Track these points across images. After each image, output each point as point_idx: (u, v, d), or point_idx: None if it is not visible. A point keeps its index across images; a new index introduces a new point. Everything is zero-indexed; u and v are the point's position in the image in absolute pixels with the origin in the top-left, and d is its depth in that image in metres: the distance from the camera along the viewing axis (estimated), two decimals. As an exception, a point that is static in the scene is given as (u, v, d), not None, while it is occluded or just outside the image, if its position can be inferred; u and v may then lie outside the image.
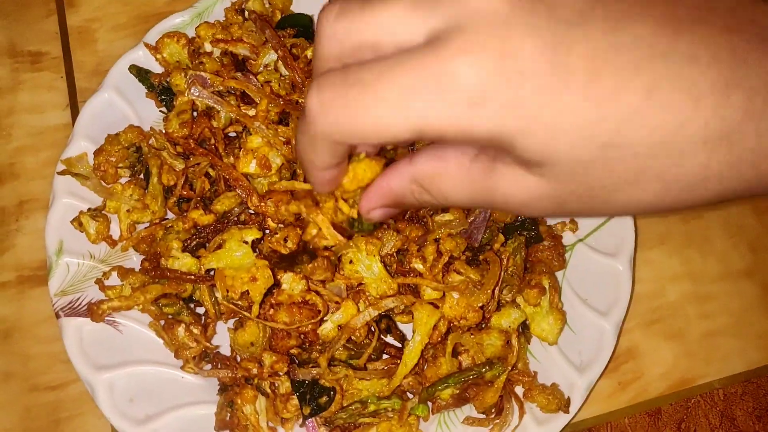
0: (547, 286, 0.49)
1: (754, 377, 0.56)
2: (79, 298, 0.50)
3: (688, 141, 0.26)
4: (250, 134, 0.49)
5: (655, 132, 0.26)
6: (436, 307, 0.46)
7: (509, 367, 0.47)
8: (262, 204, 0.47)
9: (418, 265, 0.47)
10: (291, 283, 0.45)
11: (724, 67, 0.26)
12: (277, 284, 0.45)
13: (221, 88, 0.50)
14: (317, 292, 0.46)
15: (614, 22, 0.26)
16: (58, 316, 0.49)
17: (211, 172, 0.52)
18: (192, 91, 0.48)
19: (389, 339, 0.51)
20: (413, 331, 0.46)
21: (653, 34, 0.26)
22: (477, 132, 0.27)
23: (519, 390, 0.49)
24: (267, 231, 0.49)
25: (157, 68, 0.55)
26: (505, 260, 0.48)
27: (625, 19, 0.26)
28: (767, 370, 0.56)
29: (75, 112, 0.58)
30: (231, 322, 0.50)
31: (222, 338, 0.50)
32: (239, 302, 0.47)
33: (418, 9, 0.27)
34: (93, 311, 0.48)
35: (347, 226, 0.40)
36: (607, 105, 0.26)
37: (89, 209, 0.51)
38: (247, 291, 0.45)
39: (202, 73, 0.49)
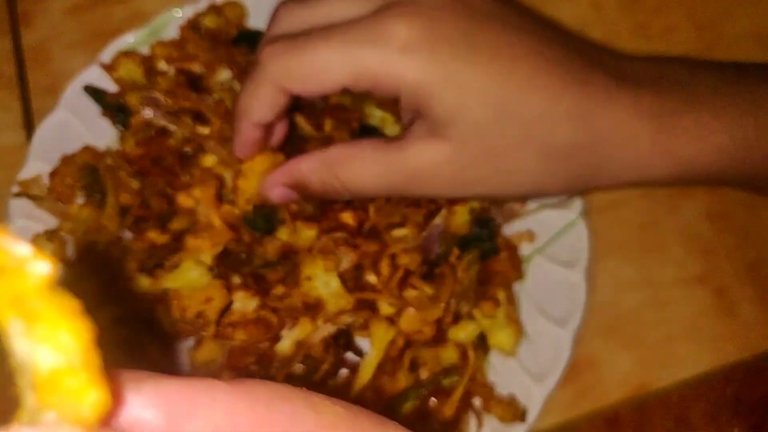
0: (502, 298, 0.49)
1: (707, 380, 0.57)
2: (34, 322, 0.49)
3: (559, 114, 0.34)
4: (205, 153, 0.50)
5: (537, 104, 0.34)
6: (393, 322, 0.47)
7: (466, 379, 0.48)
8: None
9: (373, 279, 0.47)
10: (243, 301, 0.45)
11: (580, 70, 0.35)
12: (231, 303, 0.45)
13: (175, 107, 0.50)
14: (272, 308, 0.47)
15: (511, 27, 0.35)
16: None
17: (168, 191, 0.52)
18: (145, 111, 0.48)
19: (349, 354, 0.51)
20: (371, 347, 0.47)
21: (538, 42, 0.35)
22: (406, 78, 0.33)
23: (477, 402, 0.50)
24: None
25: (113, 87, 0.55)
26: (459, 273, 0.48)
27: (519, 29, 0.35)
28: (719, 372, 0.57)
29: (30, 132, 0.57)
30: (190, 341, 0.50)
31: (182, 358, 0.50)
32: (198, 321, 0.47)
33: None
34: (49, 334, 0.48)
35: (245, 222, 0.42)
36: (503, 79, 0.34)
37: (45, 231, 0.51)
38: (203, 310, 0.45)
39: (156, 94, 0.49)
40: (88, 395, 0.13)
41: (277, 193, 0.39)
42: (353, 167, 0.36)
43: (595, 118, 0.35)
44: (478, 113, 0.34)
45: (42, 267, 0.14)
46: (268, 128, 0.39)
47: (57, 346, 0.13)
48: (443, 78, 0.33)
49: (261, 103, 0.37)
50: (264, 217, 0.46)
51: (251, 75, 0.36)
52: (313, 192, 0.39)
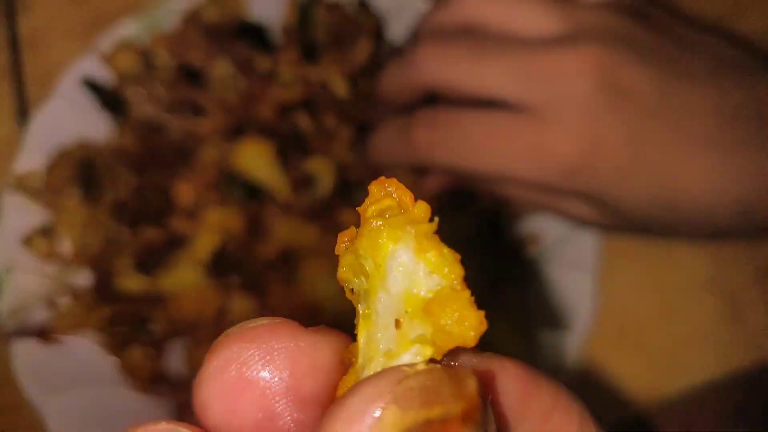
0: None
1: (714, 386, 0.56)
2: (29, 319, 0.48)
3: (719, 208, 0.35)
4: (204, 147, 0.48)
5: (698, 203, 0.34)
6: None
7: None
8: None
9: None
10: (240, 303, 0.44)
11: (755, 156, 0.34)
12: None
13: (173, 101, 0.49)
14: (271, 308, 0.46)
15: (681, 119, 0.33)
16: (8, 337, 0.48)
17: (166, 186, 0.50)
18: (142, 104, 0.47)
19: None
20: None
21: (708, 129, 0.34)
22: (561, 189, 0.34)
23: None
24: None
25: (110, 78, 0.54)
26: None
27: (688, 115, 0.33)
28: (726, 380, 0.56)
29: (25, 121, 0.56)
30: (186, 342, 0.49)
31: (177, 358, 0.49)
32: (193, 322, 0.46)
33: (520, 80, 0.33)
34: (44, 332, 0.47)
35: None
36: (670, 183, 0.34)
37: (40, 226, 0.50)
38: (199, 311, 0.44)
39: (153, 86, 0.48)
40: (471, 317, 0.15)
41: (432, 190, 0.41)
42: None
43: (753, 213, 0.36)
44: (635, 209, 0.35)
45: (425, 210, 0.16)
46: None
47: (443, 273, 0.15)
48: (602, 191, 0.34)
49: (406, 96, 0.38)
50: (246, 187, 0.45)
51: (402, 68, 0.36)
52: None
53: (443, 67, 0.34)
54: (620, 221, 0.37)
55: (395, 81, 0.37)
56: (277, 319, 0.17)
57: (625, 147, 0.33)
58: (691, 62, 0.35)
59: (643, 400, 0.55)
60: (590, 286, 0.51)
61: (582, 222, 0.39)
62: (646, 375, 0.55)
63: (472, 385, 0.14)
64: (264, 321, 0.17)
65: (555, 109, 0.32)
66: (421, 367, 0.14)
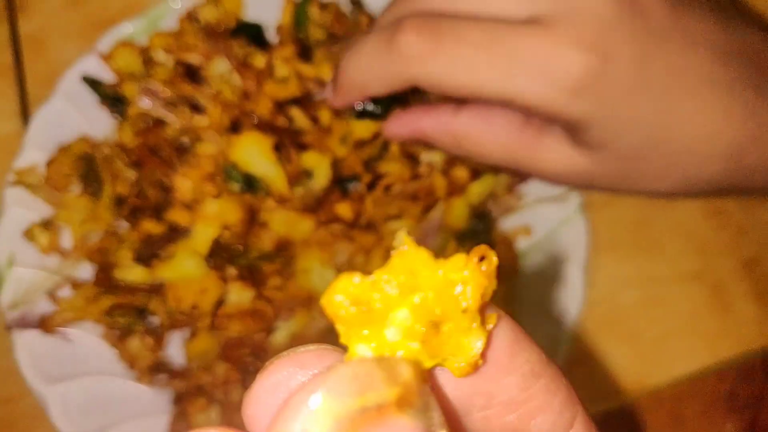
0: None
1: (700, 378, 0.57)
2: (30, 311, 0.50)
3: (712, 152, 0.33)
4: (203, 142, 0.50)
5: (694, 141, 0.32)
6: None
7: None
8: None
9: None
10: (238, 292, 0.45)
11: (749, 98, 0.33)
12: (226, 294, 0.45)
13: (172, 98, 0.50)
14: (268, 299, 0.47)
15: (689, 43, 0.32)
16: (9, 328, 0.49)
17: (164, 181, 0.52)
18: (142, 101, 0.48)
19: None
20: (365, 339, 0.47)
21: (710, 62, 0.32)
22: (565, 116, 0.31)
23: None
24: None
25: (110, 77, 0.55)
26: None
27: (694, 45, 0.32)
28: (714, 369, 0.58)
29: (26, 120, 0.57)
30: (186, 332, 0.50)
31: (177, 348, 0.50)
32: (192, 312, 0.47)
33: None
34: (45, 323, 0.48)
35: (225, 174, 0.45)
36: (669, 114, 0.32)
37: (41, 220, 0.51)
38: (198, 301, 0.45)
39: (153, 83, 0.49)
40: (478, 337, 0.16)
41: (397, 138, 0.37)
42: (481, 146, 0.35)
43: (748, 153, 0.34)
44: (630, 140, 0.32)
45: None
46: None
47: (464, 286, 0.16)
48: (608, 115, 0.31)
49: (383, 89, 0.34)
50: (245, 178, 0.46)
51: (382, 53, 0.31)
52: (433, 144, 0.38)
53: (437, 60, 0.31)
54: (603, 166, 0.33)
55: (374, 68, 0.33)
56: (324, 346, 0.18)
57: (634, 68, 0.30)
58: (699, 2, 0.34)
59: (632, 390, 0.56)
60: (580, 278, 0.53)
61: (556, 178, 0.35)
62: (635, 365, 0.56)
63: (407, 372, 0.14)
64: (312, 348, 0.18)
65: (565, 17, 0.29)
66: (354, 357, 0.15)
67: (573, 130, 0.32)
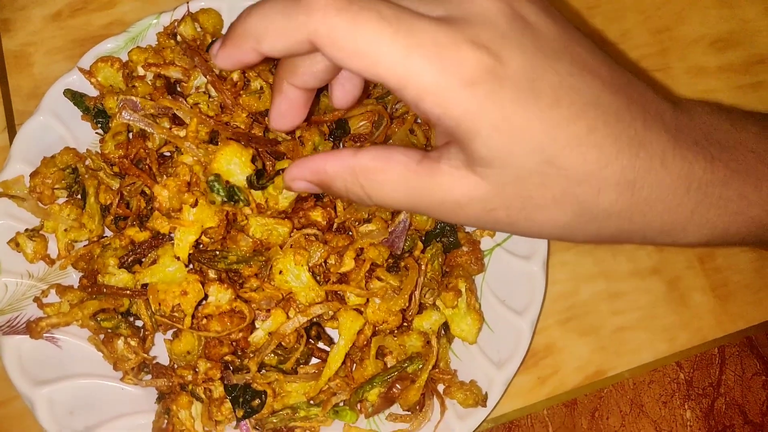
0: (463, 289, 0.52)
1: (661, 366, 0.61)
2: (17, 317, 0.52)
3: (606, 179, 0.33)
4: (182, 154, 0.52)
5: (586, 164, 0.32)
6: (360, 312, 0.50)
7: (430, 366, 0.51)
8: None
9: (343, 268, 0.50)
10: (217, 294, 0.48)
11: (639, 129, 0.33)
12: (206, 297, 0.48)
13: (153, 111, 0.52)
14: (245, 300, 0.49)
15: (577, 68, 0.33)
16: (-3, 334, 0.51)
17: (147, 191, 0.54)
18: (123, 115, 0.51)
19: (321, 345, 0.54)
20: (339, 336, 0.50)
21: (599, 89, 0.33)
22: (454, 109, 0.31)
23: (441, 388, 0.53)
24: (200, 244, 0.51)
25: (93, 91, 0.57)
26: (423, 266, 0.51)
27: (584, 69, 0.33)
28: (671, 359, 0.61)
29: (12, 134, 0.59)
30: (169, 333, 0.52)
31: (161, 349, 0.53)
32: (174, 314, 0.49)
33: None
34: (32, 329, 0.50)
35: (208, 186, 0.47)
36: (559, 130, 0.31)
37: (26, 230, 0.53)
38: (179, 303, 0.47)
39: (133, 98, 0.52)
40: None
41: (298, 186, 0.37)
42: (380, 183, 0.34)
43: (642, 186, 0.34)
44: (522, 161, 0.32)
45: None
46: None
47: None
48: (496, 120, 0.31)
49: (280, 43, 0.32)
50: (226, 190, 0.48)
51: (288, 4, 0.31)
52: (335, 193, 0.37)
53: (343, 18, 0.30)
54: (500, 190, 0.33)
55: (274, 17, 0.32)
56: None
57: (524, 76, 0.31)
58: (589, 44, 0.35)
59: (594, 379, 0.59)
60: (542, 274, 0.55)
61: (457, 209, 0.34)
62: (596, 356, 0.59)
63: None
64: None
65: (466, 20, 0.31)
66: None
67: (464, 142, 0.32)
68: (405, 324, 0.51)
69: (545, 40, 0.32)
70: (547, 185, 0.33)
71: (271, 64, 0.55)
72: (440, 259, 0.53)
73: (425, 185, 0.34)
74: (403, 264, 0.52)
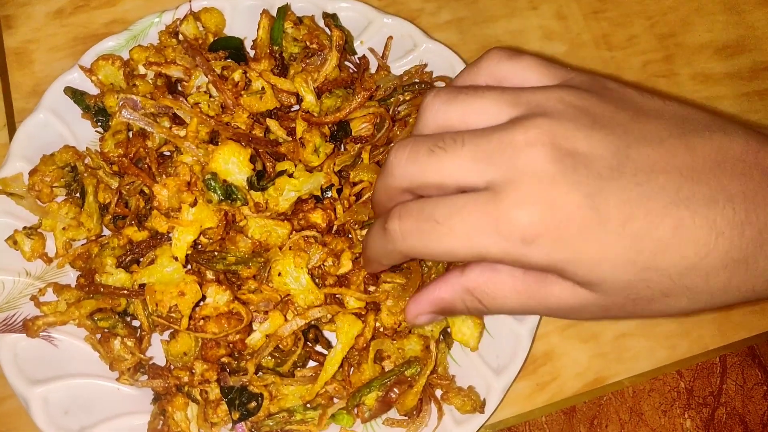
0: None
1: (660, 374, 0.60)
2: (14, 315, 0.51)
3: (711, 266, 0.32)
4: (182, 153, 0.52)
5: (684, 260, 0.32)
6: (359, 316, 0.49)
7: (428, 371, 0.50)
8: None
9: (337, 271, 0.50)
10: (215, 295, 0.47)
11: (738, 208, 0.32)
12: (204, 298, 0.48)
13: (153, 110, 0.52)
14: (243, 302, 0.49)
15: (643, 176, 0.32)
16: (-7, 332, 0.50)
17: (146, 190, 0.54)
18: (123, 113, 0.50)
19: (318, 348, 0.54)
20: (336, 340, 0.49)
21: (677, 184, 0.32)
22: (530, 262, 0.33)
23: (439, 393, 0.52)
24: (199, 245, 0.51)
25: (93, 89, 0.57)
26: (426, 268, 0.51)
27: (652, 173, 0.32)
28: (672, 367, 0.60)
29: (12, 131, 0.59)
30: (166, 334, 0.52)
31: (157, 349, 0.52)
32: (171, 315, 0.49)
33: (478, 163, 0.33)
34: (28, 327, 0.50)
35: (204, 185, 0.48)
36: (642, 240, 0.32)
37: (24, 228, 0.53)
38: (176, 304, 0.47)
39: (134, 96, 0.51)
40: None
41: (422, 320, 0.40)
42: (494, 295, 0.37)
43: (757, 259, 0.33)
44: (617, 276, 0.32)
45: None
46: None
47: None
48: (571, 256, 0.32)
49: (391, 261, 0.40)
50: (223, 188, 0.48)
51: (383, 240, 0.37)
52: (457, 313, 0.40)
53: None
54: (607, 299, 0.34)
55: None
56: None
57: (584, 208, 0.31)
58: (653, 125, 0.34)
59: (593, 387, 0.58)
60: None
61: (571, 314, 0.36)
62: (596, 363, 0.59)
63: None
64: None
65: (510, 182, 0.32)
66: None
67: (558, 274, 0.34)
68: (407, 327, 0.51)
69: (600, 162, 0.32)
70: (652, 286, 0.33)
71: (274, 65, 0.55)
72: (444, 263, 0.53)
73: (537, 294, 0.35)
74: (405, 265, 0.51)
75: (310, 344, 0.53)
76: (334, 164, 0.53)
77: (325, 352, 0.53)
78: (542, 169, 0.32)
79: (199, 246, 0.51)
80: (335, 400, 0.51)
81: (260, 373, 0.50)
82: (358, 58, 0.60)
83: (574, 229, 0.31)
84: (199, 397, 0.49)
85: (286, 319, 0.50)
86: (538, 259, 0.33)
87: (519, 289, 0.36)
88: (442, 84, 0.60)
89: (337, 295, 0.52)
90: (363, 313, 0.50)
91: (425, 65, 0.60)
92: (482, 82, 0.38)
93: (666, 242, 0.32)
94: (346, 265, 0.49)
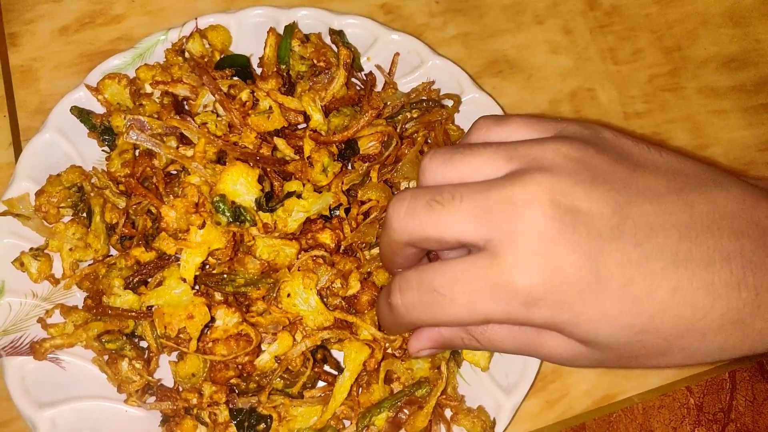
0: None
1: (670, 391, 0.60)
2: (21, 337, 0.51)
3: (707, 328, 0.32)
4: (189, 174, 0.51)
5: (680, 322, 0.32)
6: (370, 347, 0.49)
7: (438, 391, 0.50)
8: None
9: (345, 293, 0.50)
10: (225, 318, 0.47)
11: (735, 268, 0.32)
12: (213, 319, 0.47)
13: (160, 130, 0.52)
14: (252, 323, 0.48)
15: (642, 235, 0.32)
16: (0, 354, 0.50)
17: (153, 210, 0.53)
18: (131, 135, 0.50)
19: (327, 368, 0.53)
20: (344, 368, 0.49)
21: (675, 244, 0.32)
22: (532, 322, 0.33)
23: (449, 413, 0.52)
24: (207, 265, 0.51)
25: (99, 108, 0.57)
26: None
27: (651, 232, 0.32)
28: (681, 383, 0.60)
29: (18, 150, 0.59)
30: (174, 355, 0.52)
31: (165, 371, 0.52)
32: (180, 337, 0.49)
33: (476, 220, 0.33)
34: (35, 349, 0.50)
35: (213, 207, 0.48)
36: (640, 303, 0.31)
37: (31, 249, 0.53)
38: (185, 327, 0.47)
39: (141, 117, 0.51)
40: None
41: (425, 354, 0.41)
42: (491, 338, 0.37)
43: (754, 320, 0.33)
44: (614, 338, 0.33)
45: None
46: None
47: None
48: (571, 318, 0.32)
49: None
50: (232, 210, 0.48)
51: (390, 310, 0.37)
52: (455, 348, 0.41)
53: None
54: (603, 354, 0.34)
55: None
56: None
57: (584, 270, 0.31)
58: (651, 180, 0.33)
59: (603, 404, 0.58)
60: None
61: (566, 363, 0.36)
62: (605, 380, 0.59)
63: None
64: None
65: (509, 242, 0.32)
66: None
67: (557, 331, 0.34)
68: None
69: (600, 222, 0.32)
70: (647, 347, 0.33)
71: (281, 83, 0.55)
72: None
73: (532, 343, 0.36)
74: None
75: (319, 364, 0.53)
76: (342, 183, 0.53)
77: (334, 372, 0.53)
78: (542, 229, 0.32)
79: (207, 267, 0.51)
80: (345, 422, 0.51)
81: (269, 395, 0.50)
82: (365, 74, 0.60)
83: (574, 291, 0.32)
84: (207, 420, 0.49)
85: (294, 340, 0.49)
86: (539, 320, 0.33)
87: (515, 336, 0.36)
88: (449, 102, 0.59)
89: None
90: (374, 346, 0.50)
91: (433, 82, 0.60)
92: None
93: (664, 305, 0.32)
94: (354, 286, 0.49)
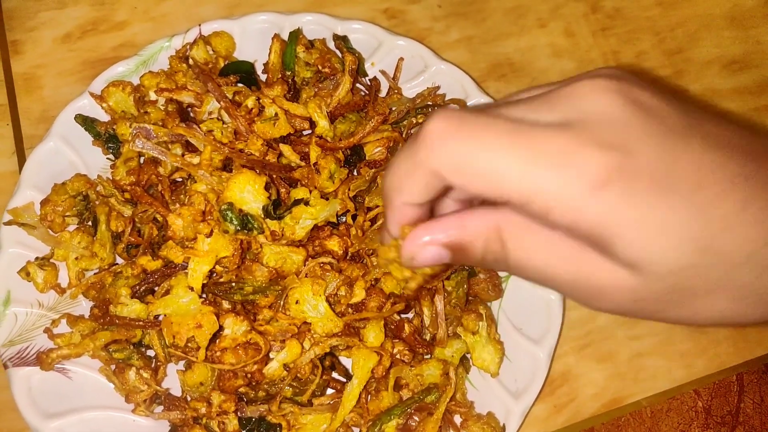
0: (483, 314, 0.52)
1: (678, 394, 0.60)
2: (27, 348, 0.51)
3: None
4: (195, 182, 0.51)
5: (747, 244, 0.29)
6: (379, 354, 0.49)
7: (448, 398, 0.50)
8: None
9: (350, 300, 0.49)
10: (233, 326, 0.47)
11: None
12: (221, 328, 0.47)
13: (166, 138, 0.51)
14: (260, 332, 0.48)
15: (712, 143, 0.29)
16: (6, 366, 0.50)
17: (159, 218, 0.53)
18: (137, 143, 0.50)
19: (335, 375, 0.53)
20: (353, 375, 0.49)
21: (741, 160, 0.29)
22: (584, 217, 0.28)
23: (458, 420, 0.52)
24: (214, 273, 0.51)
25: (104, 116, 0.56)
26: (445, 294, 0.51)
27: (720, 143, 0.29)
28: (689, 386, 0.60)
29: (22, 159, 0.59)
30: (181, 364, 0.51)
31: (173, 380, 0.52)
32: (188, 345, 0.48)
33: (539, 108, 0.30)
34: (42, 360, 0.49)
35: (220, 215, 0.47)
36: (706, 216, 0.28)
37: (37, 258, 0.52)
38: (193, 336, 0.46)
39: (146, 125, 0.51)
40: None
41: (427, 254, 0.32)
42: (525, 243, 0.31)
43: None
44: (674, 256, 0.29)
45: None
46: (424, 205, 0.33)
47: None
48: (635, 220, 0.28)
49: (414, 187, 0.31)
50: (240, 218, 0.47)
51: (410, 150, 0.30)
52: (470, 258, 0.32)
53: (452, 137, 0.29)
54: (649, 285, 0.30)
55: (402, 166, 0.31)
56: None
57: (659, 162, 0.28)
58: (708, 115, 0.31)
59: (611, 407, 0.58)
60: (558, 301, 0.55)
61: (602, 296, 0.31)
62: (613, 383, 0.59)
63: None
64: None
65: (581, 121, 0.29)
66: None
67: (604, 247, 0.29)
68: (428, 352, 0.51)
69: (670, 121, 0.29)
70: (702, 275, 0.29)
71: (286, 90, 0.54)
72: (464, 287, 0.52)
73: (569, 260, 0.31)
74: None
75: (327, 371, 0.53)
76: (349, 189, 0.53)
77: (342, 379, 0.53)
78: (614, 113, 0.29)
79: (215, 275, 0.50)
80: (355, 430, 0.51)
81: (279, 403, 0.50)
82: (369, 79, 0.60)
83: (644, 183, 0.28)
84: (216, 429, 0.49)
85: (303, 348, 0.49)
86: (594, 214, 0.28)
87: (552, 248, 0.31)
88: (455, 107, 0.59)
89: (351, 324, 0.51)
90: (382, 353, 0.50)
91: (438, 87, 0.60)
92: None
93: (731, 221, 0.28)
94: (359, 294, 0.48)
